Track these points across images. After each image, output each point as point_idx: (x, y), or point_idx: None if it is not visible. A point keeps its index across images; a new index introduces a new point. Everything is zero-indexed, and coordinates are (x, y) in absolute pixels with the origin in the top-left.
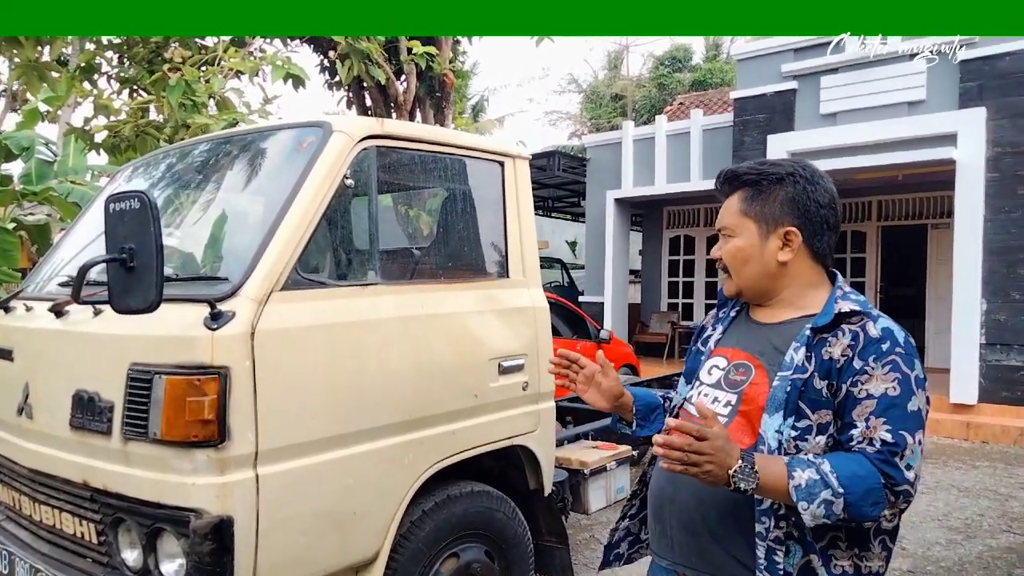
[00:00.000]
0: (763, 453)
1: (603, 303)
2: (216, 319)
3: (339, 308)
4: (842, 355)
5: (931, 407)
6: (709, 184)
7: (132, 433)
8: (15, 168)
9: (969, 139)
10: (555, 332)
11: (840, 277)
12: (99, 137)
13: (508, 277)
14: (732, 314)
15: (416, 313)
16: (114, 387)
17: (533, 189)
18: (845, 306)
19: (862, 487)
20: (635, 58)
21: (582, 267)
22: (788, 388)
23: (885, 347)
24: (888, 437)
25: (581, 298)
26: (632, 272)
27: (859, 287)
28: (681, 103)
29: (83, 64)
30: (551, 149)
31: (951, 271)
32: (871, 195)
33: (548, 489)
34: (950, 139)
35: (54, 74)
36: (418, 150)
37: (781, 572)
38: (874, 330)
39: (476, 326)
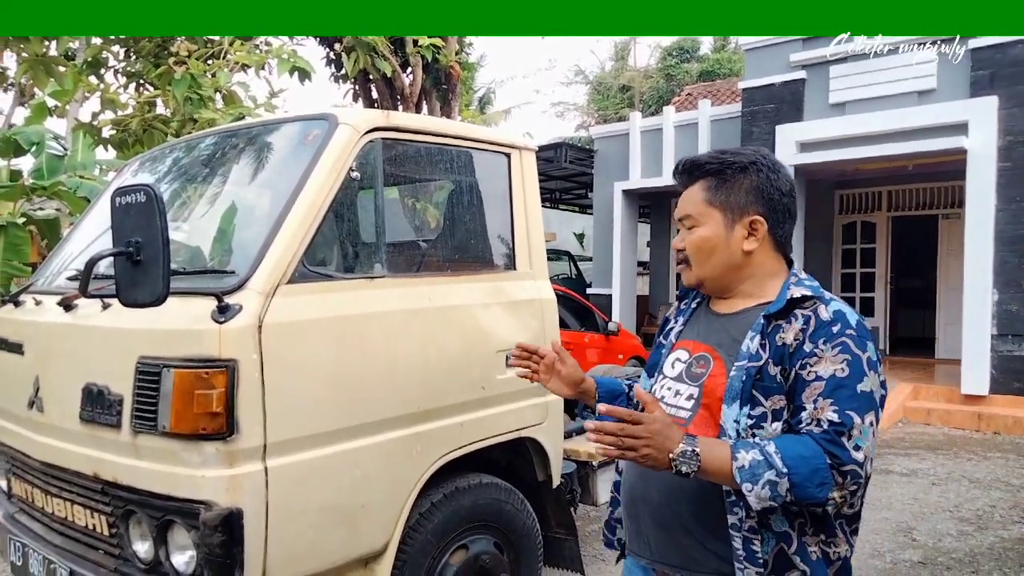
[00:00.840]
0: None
1: (611, 295)
2: (223, 312)
3: (346, 301)
4: (794, 339)
5: (942, 399)
6: None
7: (141, 426)
8: (25, 163)
9: (980, 128)
10: (563, 324)
11: (796, 264)
12: (106, 132)
13: (515, 269)
14: (693, 306)
15: (423, 306)
16: (123, 380)
17: (540, 181)
18: (797, 292)
19: (807, 467)
20: (642, 49)
21: (590, 259)
22: (744, 377)
23: (836, 329)
24: (835, 417)
25: (589, 290)
26: (640, 264)
27: (869, 278)
28: (689, 94)
29: (90, 59)
30: (558, 141)
31: (962, 262)
32: (881, 185)
33: (556, 481)
34: (961, 128)
35: (61, 68)
36: (424, 142)
37: (760, 560)
38: (825, 313)
39: (483, 318)
